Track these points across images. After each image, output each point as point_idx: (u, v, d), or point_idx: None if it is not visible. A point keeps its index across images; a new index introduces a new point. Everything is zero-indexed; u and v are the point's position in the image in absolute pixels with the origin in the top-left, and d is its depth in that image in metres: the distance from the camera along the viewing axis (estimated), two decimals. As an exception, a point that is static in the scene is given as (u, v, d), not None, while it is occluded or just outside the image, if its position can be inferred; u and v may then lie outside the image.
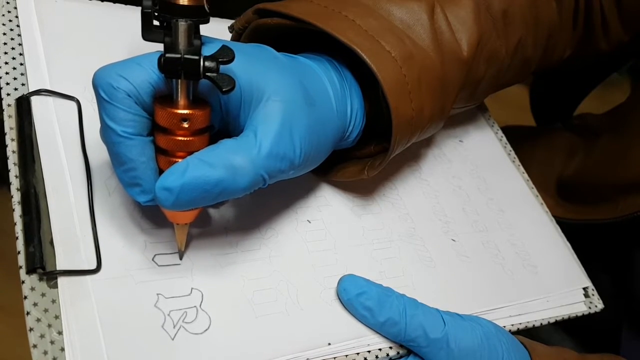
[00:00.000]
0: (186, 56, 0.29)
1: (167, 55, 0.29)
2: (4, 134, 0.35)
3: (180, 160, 0.30)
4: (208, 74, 0.29)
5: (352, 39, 0.37)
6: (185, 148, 0.31)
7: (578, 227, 0.60)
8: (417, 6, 0.42)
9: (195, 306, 0.33)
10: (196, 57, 0.29)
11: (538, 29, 0.51)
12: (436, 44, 0.41)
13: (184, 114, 0.30)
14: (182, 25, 0.29)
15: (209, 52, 0.30)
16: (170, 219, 0.33)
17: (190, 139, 0.31)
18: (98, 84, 0.30)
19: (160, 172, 0.31)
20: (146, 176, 0.31)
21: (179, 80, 0.30)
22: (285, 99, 0.33)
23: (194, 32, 0.30)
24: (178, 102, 0.30)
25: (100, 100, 0.30)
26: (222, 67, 0.30)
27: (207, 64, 0.29)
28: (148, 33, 0.32)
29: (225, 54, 0.30)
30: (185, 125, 0.30)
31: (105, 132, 0.30)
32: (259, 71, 0.33)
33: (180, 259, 0.35)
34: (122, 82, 0.29)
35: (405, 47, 0.39)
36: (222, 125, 0.35)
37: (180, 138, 0.31)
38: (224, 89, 0.29)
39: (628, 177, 0.56)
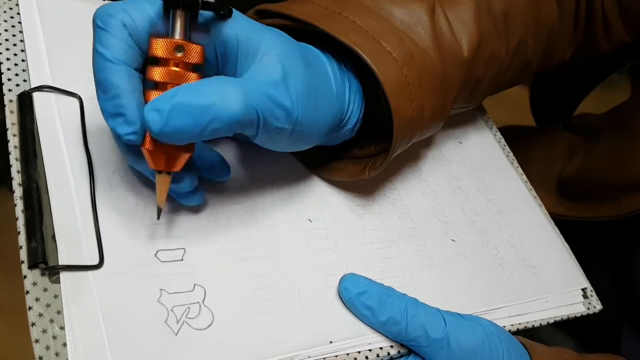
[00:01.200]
0: None
1: None
2: (5, 132, 0.34)
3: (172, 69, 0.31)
4: (205, 1, 0.30)
5: (353, 39, 0.37)
6: (178, 80, 0.31)
7: (579, 225, 0.60)
8: (417, 7, 0.42)
9: (198, 302, 0.33)
10: None
11: (538, 30, 0.51)
12: (437, 45, 0.42)
13: (179, 42, 0.30)
14: None
15: None
16: (153, 165, 0.31)
17: (184, 71, 0.31)
18: (97, 14, 0.30)
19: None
20: (130, 106, 0.30)
21: (177, 12, 0.30)
22: (282, 54, 0.33)
23: None
24: (174, 35, 0.30)
25: (95, 29, 0.30)
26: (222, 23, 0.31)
27: None
28: None
29: None
30: (180, 55, 0.30)
31: (95, 58, 0.30)
32: (259, 30, 0.33)
33: (158, 218, 0.34)
34: (120, 13, 0.30)
35: (405, 48, 0.39)
36: None
37: (174, 68, 0.31)
38: (221, 12, 0.30)
39: (629, 176, 0.57)
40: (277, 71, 0.32)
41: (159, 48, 0.30)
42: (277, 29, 0.35)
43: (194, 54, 0.31)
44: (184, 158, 0.32)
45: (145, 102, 0.31)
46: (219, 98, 0.29)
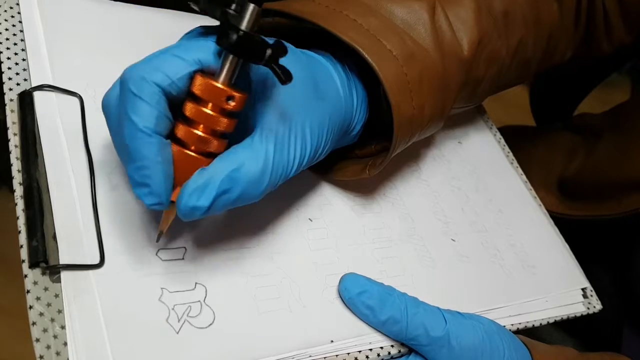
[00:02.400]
0: (255, 36, 0.28)
1: (242, 31, 0.28)
2: (6, 131, 0.34)
3: (198, 132, 0.30)
4: (270, 62, 0.29)
5: (353, 38, 0.37)
6: (213, 125, 0.30)
7: (579, 225, 0.61)
8: (418, 6, 0.42)
9: (199, 301, 0.33)
10: (263, 40, 0.29)
11: (539, 30, 0.51)
12: (437, 44, 0.42)
13: (231, 93, 0.29)
14: (254, 8, 0.28)
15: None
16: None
17: (229, 120, 0.30)
18: (129, 78, 0.29)
19: (175, 140, 0.30)
20: (157, 177, 0.29)
21: (230, 58, 0.29)
22: (297, 94, 0.33)
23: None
24: (220, 78, 0.29)
25: (127, 94, 0.29)
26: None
27: (268, 51, 0.29)
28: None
29: (280, 48, 0.29)
30: (232, 104, 0.30)
31: (126, 125, 0.29)
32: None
33: (157, 241, 0.34)
34: (155, 75, 0.29)
35: (406, 46, 0.39)
36: None
37: (222, 119, 0.30)
38: (284, 79, 0.29)
39: (630, 175, 0.57)
40: (293, 120, 0.33)
41: (211, 94, 0.29)
42: (291, 56, 0.34)
43: (240, 103, 0.30)
44: None
45: (174, 133, 0.30)
46: (247, 187, 0.31)
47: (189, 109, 0.30)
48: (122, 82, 0.29)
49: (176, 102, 0.30)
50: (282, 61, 0.30)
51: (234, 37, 0.28)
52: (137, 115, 0.28)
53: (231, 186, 0.30)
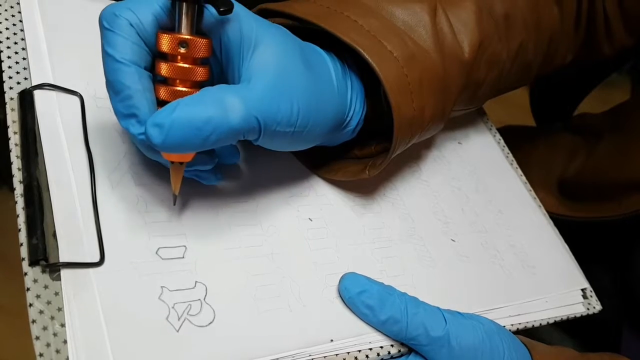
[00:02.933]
0: None
1: None
2: (6, 129, 0.34)
3: (180, 88, 0.31)
4: None
5: (354, 38, 0.37)
6: (185, 75, 0.31)
7: (579, 225, 0.61)
8: (419, 7, 0.42)
9: (199, 299, 0.33)
10: None
11: (539, 34, 0.51)
12: (438, 46, 0.42)
13: (183, 37, 0.30)
14: None
15: None
16: (165, 157, 0.33)
17: (190, 66, 0.31)
18: (103, 15, 0.30)
19: (160, 103, 0.31)
20: (142, 106, 0.30)
21: (182, 6, 0.30)
22: (283, 53, 0.33)
23: None
24: (180, 29, 0.30)
25: (102, 30, 0.30)
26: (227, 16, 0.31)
27: None
28: None
29: None
30: (183, 50, 0.30)
31: (104, 60, 0.30)
32: (262, 26, 0.33)
33: (174, 204, 0.35)
34: (126, 12, 0.30)
35: (407, 48, 0.39)
36: (222, 79, 0.34)
37: (180, 64, 0.31)
38: (221, 9, 0.30)
39: (630, 176, 0.57)
40: (276, 71, 0.32)
41: (164, 44, 0.31)
42: (281, 27, 0.35)
43: (200, 48, 0.31)
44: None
45: (156, 96, 0.31)
46: (219, 110, 0.30)
47: (158, 68, 0.31)
48: (99, 23, 0.31)
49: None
50: (267, 25, 0.33)
51: None
52: (112, 48, 0.30)
53: (199, 106, 0.29)
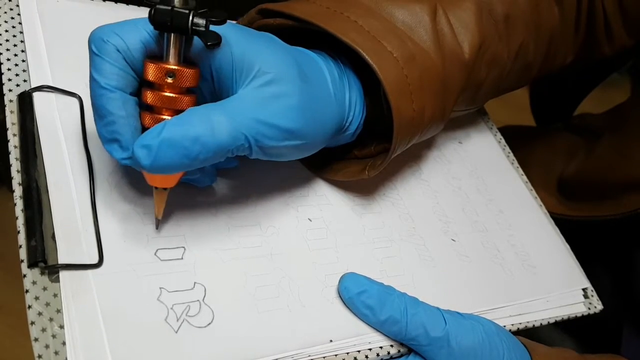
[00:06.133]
0: (176, 9, 0.29)
1: (158, 6, 0.29)
2: (5, 131, 0.34)
3: (166, 117, 0.31)
4: (195, 28, 0.29)
5: (354, 39, 0.37)
6: (171, 104, 0.31)
7: (580, 225, 0.60)
8: (419, 8, 0.42)
9: (198, 300, 0.33)
10: (186, 11, 0.29)
11: (539, 34, 0.51)
12: (438, 46, 0.42)
13: (170, 68, 0.30)
14: None
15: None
16: (149, 182, 0.33)
17: (177, 96, 0.31)
18: (91, 39, 0.30)
19: (144, 129, 0.31)
20: (125, 132, 0.30)
21: (170, 37, 0.30)
22: (277, 71, 0.33)
23: None
24: (167, 59, 0.30)
25: (90, 54, 0.30)
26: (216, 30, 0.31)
27: (196, 19, 0.29)
28: None
29: (217, 15, 0.30)
30: (170, 80, 0.30)
31: (90, 85, 0.30)
32: (254, 44, 0.33)
33: (156, 228, 0.35)
34: (114, 38, 0.30)
35: (407, 48, 0.39)
36: (215, 100, 0.34)
37: (166, 94, 0.31)
38: (208, 43, 0.30)
39: (630, 175, 0.57)
40: (268, 89, 0.32)
41: (151, 73, 0.30)
42: (270, 36, 0.35)
43: (187, 78, 0.31)
44: (178, 176, 0.33)
45: (142, 124, 0.31)
46: (206, 129, 0.30)
47: (144, 96, 0.31)
48: (88, 45, 0.30)
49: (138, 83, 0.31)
50: (260, 43, 0.32)
51: (152, 11, 0.29)
52: (98, 73, 0.30)
53: (186, 126, 0.29)
